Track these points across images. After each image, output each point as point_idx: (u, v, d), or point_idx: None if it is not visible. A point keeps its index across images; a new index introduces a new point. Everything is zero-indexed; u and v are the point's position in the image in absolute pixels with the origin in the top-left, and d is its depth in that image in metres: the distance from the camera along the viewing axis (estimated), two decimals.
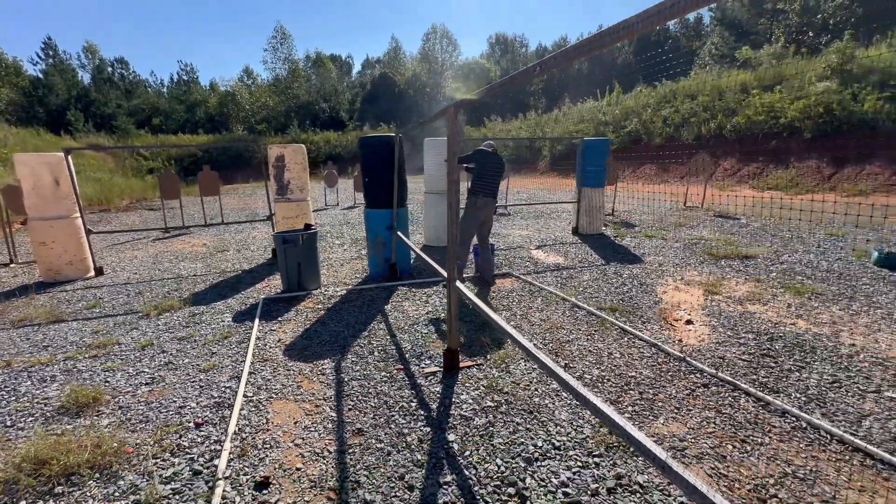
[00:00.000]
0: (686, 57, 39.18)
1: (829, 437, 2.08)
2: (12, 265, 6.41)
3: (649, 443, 1.20)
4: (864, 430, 2.12)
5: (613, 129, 22.07)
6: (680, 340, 3.22)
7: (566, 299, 4.14)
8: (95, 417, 2.37)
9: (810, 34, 23.79)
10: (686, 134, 18.12)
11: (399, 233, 4.72)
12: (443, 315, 3.81)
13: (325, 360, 3.03)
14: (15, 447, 2.11)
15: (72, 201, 5.50)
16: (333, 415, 2.37)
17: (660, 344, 3.10)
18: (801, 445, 2.03)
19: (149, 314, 4.08)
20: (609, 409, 1.34)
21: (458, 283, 2.59)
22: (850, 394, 2.44)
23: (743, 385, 2.53)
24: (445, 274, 2.65)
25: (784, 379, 2.62)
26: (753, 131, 15.68)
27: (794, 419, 2.22)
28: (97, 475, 1.92)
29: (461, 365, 2.86)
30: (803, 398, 2.42)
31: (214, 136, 34.73)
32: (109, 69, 46.58)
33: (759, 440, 2.07)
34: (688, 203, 10.53)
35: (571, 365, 2.84)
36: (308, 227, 4.97)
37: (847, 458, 1.94)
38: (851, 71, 14.14)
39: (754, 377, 2.65)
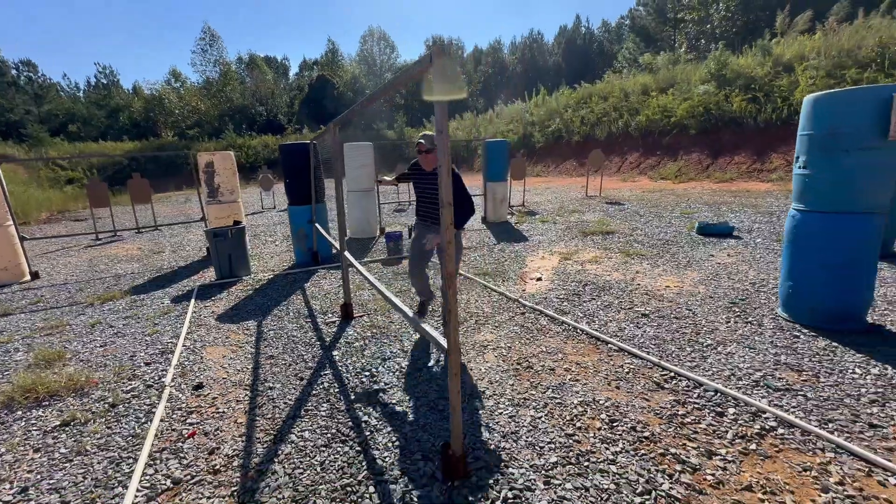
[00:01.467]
0: (607, 59, 42.47)
1: (579, 332, 3.26)
2: None
3: (437, 335, 2.22)
4: (604, 328, 3.33)
5: (539, 129, 23.90)
6: (524, 291, 4.38)
7: None
8: (62, 367, 3.09)
9: (702, 41, 26.99)
10: (599, 132, 20.11)
11: (318, 225, 5.59)
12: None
13: (250, 321, 3.89)
14: (1, 388, 2.81)
15: (3, 209, 5.86)
16: (253, 350, 3.26)
17: (505, 292, 4.24)
18: (559, 339, 3.19)
19: (93, 303, 4.68)
20: (409, 310, 2.36)
21: (352, 260, 3.54)
22: (612, 311, 3.68)
23: (545, 311, 3.70)
24: (341, 255, 3.61)
25: (577, 307, 3.82)
26: (651, 129, 17.85)
27: (567, 326, 3.40)
28: (73, 394, 2.70)
29: (354, 315, 3.83)
30: (581, 315, 3.62)
31: (141, 142, 33.14)
32: (14, 72, 42.81)
33: (538, 339, 3.21)
34: (589, 193, 12.13)
35: (436, 308, 3.90)
36: (237, 223, 5.72)
37: (584, 342, 3.12)
38: (725, 76, 16.56)
39: (557, 307, 3.83)
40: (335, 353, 3.15)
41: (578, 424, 2.17)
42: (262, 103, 42.85)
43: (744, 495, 1.68)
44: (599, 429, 2.14)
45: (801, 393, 2.34)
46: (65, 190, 22.38)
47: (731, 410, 2.21)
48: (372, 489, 1.82)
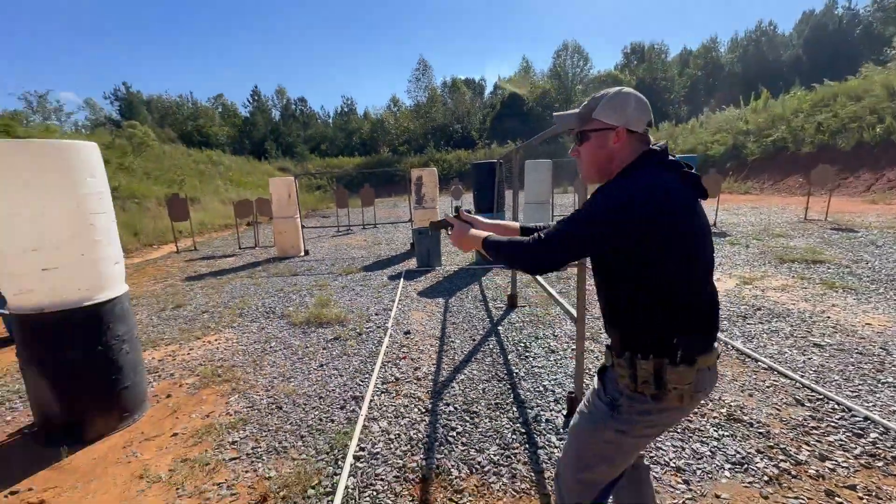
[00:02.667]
0: (873, 47, 33.07)
1: (729, 348, 3.36)
2: (256, 248, 10.12)
3: (568, 306, 2.92)
4: (760, 349, 3.33)
5: (755, 139, 20.56)
6: None
7: None
8: (331, 308, 4.80)
9: None
10: (843, 142, 16.29)
11: None
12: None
13: (440, 298, 5.13)
14: (302, 313, 4.62)
15: (295, 207, 8.75)
16: (441, 317, 4.42)
17: None
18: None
19: (341, 274, 6.74)
20: (566, 302, 3.07)
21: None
22: (778, 336, 3.57)
23: None
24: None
25: (738, 327, 3.81)
26: None
27: (731, 348, 3.52)
28: (338, 323, 4.28)
29: (518, 305, 4.66)
30: (738, 334, 3.63)
31: (365, 157, 41.29)
32: (293, 107, 58.44)
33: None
34: (809, 216, 10.22)
35: (592, 310, 4.41)
36: None
37: (730, 356, 3.24)
38: None
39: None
40: (499, 328, 4.04)
41: (696, 411, 2.51)
42: (459, 121, 48.00)
43: (842, 491, 1.85)
44: (715, 418, 2.44)
45: None
46: (315, 194, 29.79)
47: (873, 435, 2.21)
48: (515, 408, 2.61)
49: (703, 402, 2.59)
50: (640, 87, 45.39)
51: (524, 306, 4.67)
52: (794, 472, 1.98)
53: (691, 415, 2.48)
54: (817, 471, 1.98)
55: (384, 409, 2.72)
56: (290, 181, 8.72)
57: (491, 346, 3.63)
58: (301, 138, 50.95)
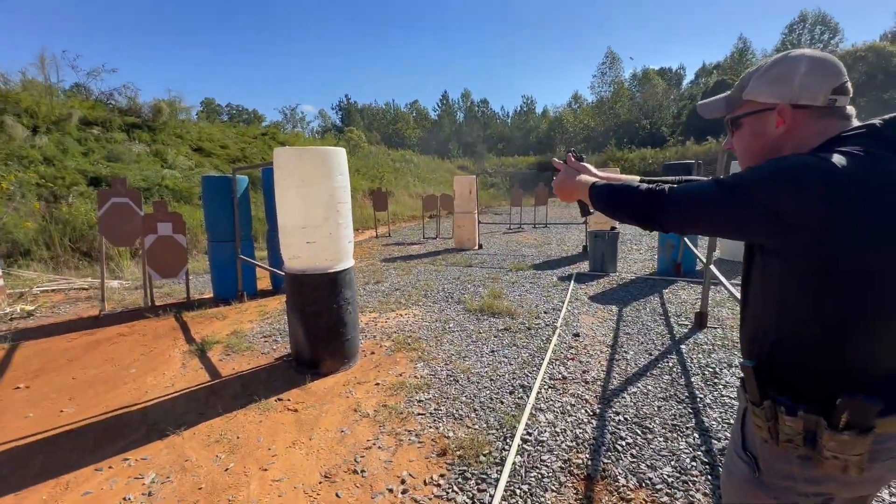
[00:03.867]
0: None
1: None
2: (437, 238, 11.27)
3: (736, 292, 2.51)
4: None
5: None
6: None
7: None
8: (502, 301, 5.10)
9: None
10: None
11: (686, 239, 5.94)
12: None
13: (613, 305, 4.91)
14: (476, 302, 5.03)
15: (475, 204, 9.42)
16: (614, 326, 4.24)
17: None
18: None
19: (511, 269, 7.02)
20: None
21: (717, 275, 3.90)
22: None
23: None
24: (706, 269, 4.02)
25: None
26: None
27: None
28: (507, 316, 4.53)
29: (708, 325, 4.13)
30: None
31: (539, 157, 41.16)
32: (476, 108, 62.09)
33: None
34: None
35: None
36: (613, 228, 6.88)
37: None
38: None
39: None
40: (683, 347, 3.67)
41: None
42: (648, 116, 43.57)
43: None
44: None
45: None
46: (489, 191, 31.19)
47: None
48: (697, 434, 2.39)
49: None
50: None
51: (715, 327, 4.11)
52: None
53: None
54: None
55: (551, 402, 2.82)
56: (472, 179, 9.43)
57: (671, 365, 3.34)
58: (480, 138, 53.80)
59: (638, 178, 1.21)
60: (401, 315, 4.83)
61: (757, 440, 0.93)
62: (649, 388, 2.97)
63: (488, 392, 2.99)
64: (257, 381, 3.26)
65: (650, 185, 0.95)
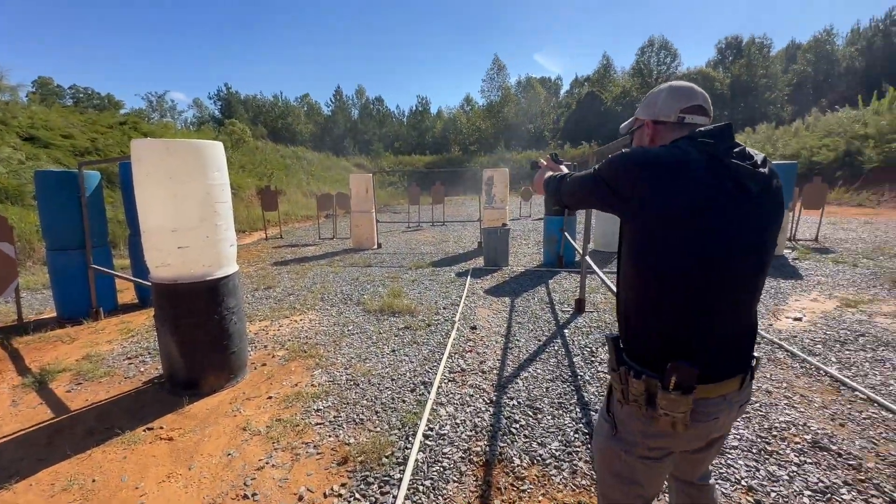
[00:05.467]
0: None
1: (821, 373, 3.11)
2: (334, 239, 10.86)
3: None
4: (859, 378, 3.04)
5: (875, 145, 18.05)
6: (771, 325, 4.17)
7: None
8: (402, 299, 5.09)
9: None
10: None
11: (566, 234, 6.58)
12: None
13: (506, 297, 5.22)
14: (376, 302, 4.95)
15: (372, 202, 9.27)
16: (507, 316, 4.51)
17: None
18: (791, 373, 3.15)
19: (411, 268, 7.06)
20: None
21: (592, 264, 4.37)
22: (885, 366, 3.23)
23: (783, 344, 3.56)
24: (583, 260, 4.49)
25: (835, 352, 3.49)
26: None
27: (808, 365, 3.26)
28: (408, 314, 4.55)
29: (586, 310, 4.62)
30: (834, 360, 3.33)
31: (435, 156, 42.10)
32: (371, 106, 61.13)
33: (767, 367, 3.25)
34: None
35: None
36: (504, 225, 7.32)
37: (822, 382, 3.00)
38: None
39: (805, 346, 3.60)
40: (566, 331, 4.05)
41: (775, 434, 2.39)
42: (532, 121, 47.25)
43: None
44: (797, 443, 2.31)
45: None
46: (387, 190, 31.01)
47: None
48: (579, 409, 2.66)
49: (783, 422, 2.46)
50: (734, 85, 41.62)
51: (592, 311, 4.62)
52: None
53: (772, 438, 2.36)
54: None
55: (451, 395, 2.90)
56: (369, 177, 9.26)
57: (556, 348, 3.66)
58: (377, 136, 53.17)
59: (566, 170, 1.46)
60: (295, 321, 4.55)
61: (615, 403, 1.13)
62: (538, 371, 3.22)
63: (390, 392, 2.96)
64: (119, 411, 2.80)
65: (563, 174, 1.30)
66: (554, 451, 2.28)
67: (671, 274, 0.98)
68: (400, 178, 35.69)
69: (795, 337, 3.84)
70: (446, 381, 3.12)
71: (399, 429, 2.52)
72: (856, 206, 15.70)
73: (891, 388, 2.91)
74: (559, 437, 2.41)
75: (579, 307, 4.63)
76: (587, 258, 4.33)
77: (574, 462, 2.20)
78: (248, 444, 2.43)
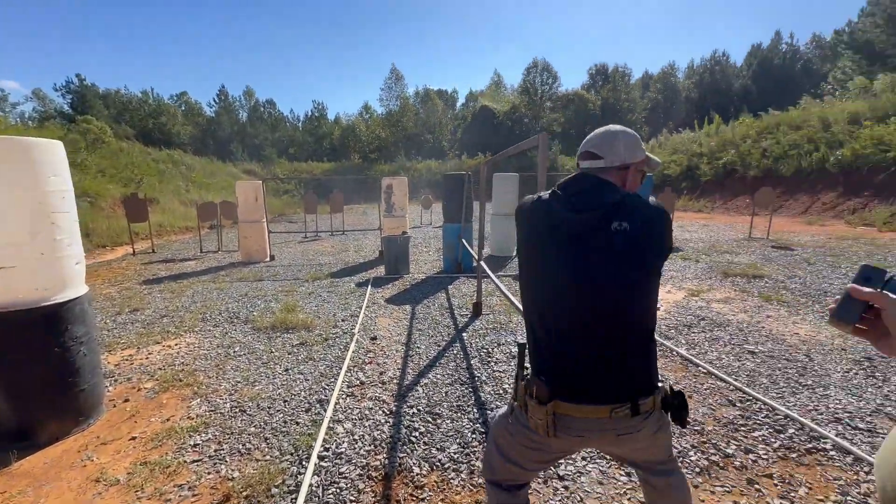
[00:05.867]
0: (813, 81, 36.05)
1: (673, 354, 3.64)
2: (219, 252, 9.87)
3: (518, 302, 3.09)
4: (701, 356, 3.63)
5: (708, 161, 21.89)
6: None
7: None
8: (297, 314, 4.79)
9: None
10: (784, 167, 17.59)
11: (464, 241, 6.82)
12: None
13: (407, 305, 5.22)
14: (268, 318, 4.59)
15: (263, 211, 8.63)
16: (408, 324, 4.51)
17: None
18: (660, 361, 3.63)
19: (308, 280, 6.71)
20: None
21: (486, 269, 4.58)
22: (718, 344, 3.89)
23: None
24: (478, 266, 4.68)
25: (684, 335, 4.12)
26: (859, 165, 15.00)
27: (664, 348, 3.79)
28: (304, 329, 4.29)
29: (483, 313, 4.83)
30: (683, 342, 3.93)
31: (335, 163, 40.86)
32: (261, 109, 57.22)
33: None
34: (753, 235, 11.01)
35: None
36: (404, 233, 7.34)
37: (675, 362, 3.51)
38: None
39: (661, 332, 4.19)
40: (464, 334, 4.18)
41: None
42: (431, 131, 48.44)
43: (761, 480, 2.08)
44: None
45: (883, 435, 2.44)
46: (282, 198, 29.19)
47: (791, 431, 2.48)
48: (476, 410, 2.74)
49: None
50: (604, 107, 47.37)
51: (488, 314, 4.83)
52: (721, 464, 2.20)
53: None
54: (742, 462, 2.21)
55: (349, 411, 2.79)
56: (258, 185, 8.61)
57: (455, 352, 3.75)
58: (269, 141, 49.87)
59: None
60: (169, 346, 4.01)
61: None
62: (438, 377, 3.27)
63: (282, 416, 2.75)
64: None
65: None
66: (453, 455, 2.32)
67: (525, 300, 1.22)
68: (296, 186, 33.94)
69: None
70: (344, 396, 2.99)
71: (292, 453, 2.35)
72: (696, 211, 18.85)
73: (723, 361, 3.52)
74: (458, 440, 2.45)
75: (476, 311, 4.82)
76: (482, 263, 4.53)
77: (472, 462, 2.26)
78: (103, 497, 2.05)
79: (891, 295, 0.58)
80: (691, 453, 2.29)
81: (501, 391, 3.01)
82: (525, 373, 1.21)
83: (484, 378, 3.23)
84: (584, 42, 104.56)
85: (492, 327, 4.37)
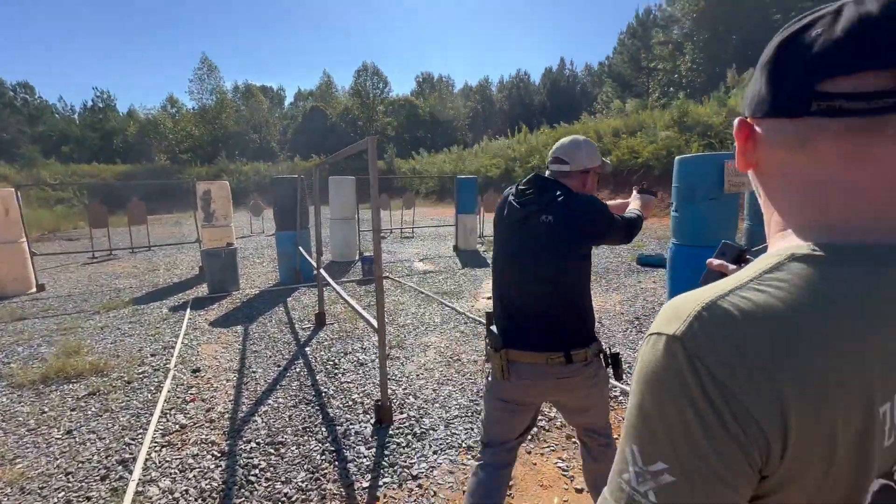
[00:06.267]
0: (588, 101, 45.04)
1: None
2: None
3: (368, 316, 3.03)
4: None
5: (520, 165, 25.31)
6: (473, 306, 5.20)
7: (415, 288, 6.05)
8: (84, 357, 3.78)
9: (671, 89, 29.18)
10: None
11: (301, 248, 6.40)
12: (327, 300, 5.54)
13: (238, 326, 4.63)
14: (35, 369, 3.49)
15: (19, 228, 6.56)
16: (241, 347, 4.00)
17: (455, 307, 5.07)
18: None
19: (99, 311, 5.37)
20: (367, 314, 3.16)
21: (326, 277, 4.35)
22: None
23: (481, 321, 4.52)
24: (317, 274, 4.42)
25: None
26: (622, 168, 19.27)
27: None
28: (95, 374, 3.41)
29: (327, 323, 4.60)
30: None
31: (134, 165, 33.85)
32: (11, 93, 43.65)
33: (472, 341, 4.01)
34: None
35: (396, 320, 4.69)
36: (229, 244, 6.50)
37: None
38: (686, 122, 18.18)
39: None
40: (307, 349, 3.91)
41: (482, 395, 2.97)
42: (256, 131, 44.19)
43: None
44: None
45: None
46: (55, 210, 22.83)
47: None
48: (324, 428, 2.58)
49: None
50: (432, 113, 50.51)
51: (332, 323, 4.63)
52: (547, 427, 2.55)
53: (480, 399, 2.91)
54: (561, 422, 2.60)
55: (166, 465, 2.31)
56: (8, 194, 6.49)
57: (298, 370, 3.48)
58: (27, 136, 38.44)
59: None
60: None
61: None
62: (280, 400, 2.97)
63: (63, 494, 2.12)
64: None
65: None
66: (300, 484, 2.13)
67: (493, 270, 1.55)
68: (76, 194, 27.08)
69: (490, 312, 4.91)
70: (159, 447, 2.47)
71: None
72: None
73: None
74: (305, 467, 2.27)
75: (320, 321, 4.57)
76: (321, 272, 4.31)
77: (322, 486, 2.11)
78: None
79: (731, 266, 0.68)
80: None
81: (350, 402, 2.91)
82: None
83: (331, 392, 3.07)
84: (412, 50, 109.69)
85: (337, 337, 4.20)
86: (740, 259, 0.70)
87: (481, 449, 1.53)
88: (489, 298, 5.62)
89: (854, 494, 0.39)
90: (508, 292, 1.46)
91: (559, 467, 2.24)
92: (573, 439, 2.43)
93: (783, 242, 0.45)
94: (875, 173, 0.40)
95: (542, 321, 1.40)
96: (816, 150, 0.42)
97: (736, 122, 0.49)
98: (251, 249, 10.41)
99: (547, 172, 1.56)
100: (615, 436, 1.67)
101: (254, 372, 3.46)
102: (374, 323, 2.53)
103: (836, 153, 0.41)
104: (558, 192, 1.41)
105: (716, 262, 0.71)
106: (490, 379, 1.49)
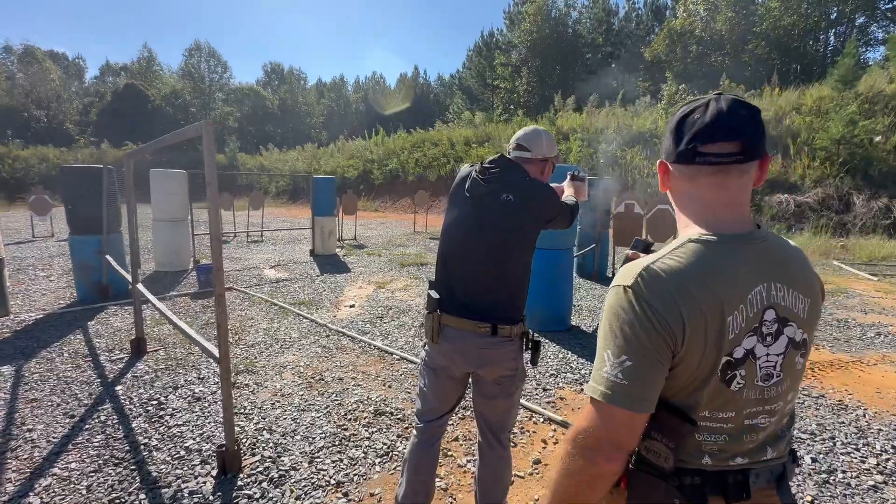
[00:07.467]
0: (441, 109, 47.36)
1: (372, 348, 3.86)
2: None
3: (209, 346, 2.46)
4: (393, 343, 3.99)
5: (378, 167, 25.13)
6: (335, 316, 4.82)
7: (267, 300, 5.37)
8: None
9: (512, 107, 32.65)
10: (431, 174, 22.20)
11: (109, 257, 5.08)
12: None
13: (4, 367, 3.38)
14: None
15: None
16: (7, 396, 2.91)
17: (315, 319, 4.62)
18: (353, 355, 3.72)
19: None
20: (204, 340, 2.56)
21: (144, 292, 3.47)
22: (405, 329, 4.39)
23: (346, 332, 4.21)
24: (133, 289, 3.49)
25: (378, 327, 4.44)
26: None
27: (364, 344, 3.95)
28: None
29: (149, 350, 3.70)
30: (378, 333, 4.23)
31: None
32: None
33: (336, 356, 3.68)
34: (417, 229, 13.40)
35: (243, 339, 4.04)
36: None
37: (374, 356, 3.71)
38: None
39: (360, 328, 4.39)
40: (118, 387, 3.05)
41: (349, 417, 2.69)
42: (42, 107, 34.67)
43: (451, 443, 2.42)
44: (365, 418, 2.69)
45: None
46: None
47: None
48: (143, 495, 1.98)
49: (354, 402, 2.82)
50: (282, 107, 46.86)
51: (157, 350, 3.75)
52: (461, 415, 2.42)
53: (348, 422, 2.63)
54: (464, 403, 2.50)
55: None
56: None
57: (103, 418, 2.67)
58: None
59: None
60: None
61: None
62: (72, 466, 2.20)
63: None
64: None
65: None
66: None
67: (441, 237, 1.62)
68: None
69: (353, 322, 4.61)
70: None
71: None
72: (374, 211, 21.40)
73: (410, 344, 3.99)
74: None
75: (137, 349, 3.64)
76: (139, 287, 3.44)
77: None
78: None
79: (641, 254, 0.92)
80: (398, 443, 2.41)
81: (182, 452, 2.32)
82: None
83: (154, 443, 2.40)
84: (257, 37, 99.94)
85: (164, 367, 3.39)
86: (648, 249, 0.95)
87: (416, 422, 1.67)
88: (352, 307, 5.33)
89: (714, 366, 0.70)
90: (453, 261, 1.54)
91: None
92: (472, 419, 2.35)
93: (685, 231, 0.78)
94: (727, 196, 0.75)
95: (478, 292, 1.49)
96: (699, 182, 0.76)
97: (658, 161, 0.82)
98: (32, 259, 7.99)
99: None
100: (511, 443, 1.61)
101: (29, 430, 2.52)
102: (215, 351, 2.04)
103: (708, 185, 0.76)
104: (521, 175, 1.53)
105: (630, 252, 0.98)
106: (427, 349, 1.60)
